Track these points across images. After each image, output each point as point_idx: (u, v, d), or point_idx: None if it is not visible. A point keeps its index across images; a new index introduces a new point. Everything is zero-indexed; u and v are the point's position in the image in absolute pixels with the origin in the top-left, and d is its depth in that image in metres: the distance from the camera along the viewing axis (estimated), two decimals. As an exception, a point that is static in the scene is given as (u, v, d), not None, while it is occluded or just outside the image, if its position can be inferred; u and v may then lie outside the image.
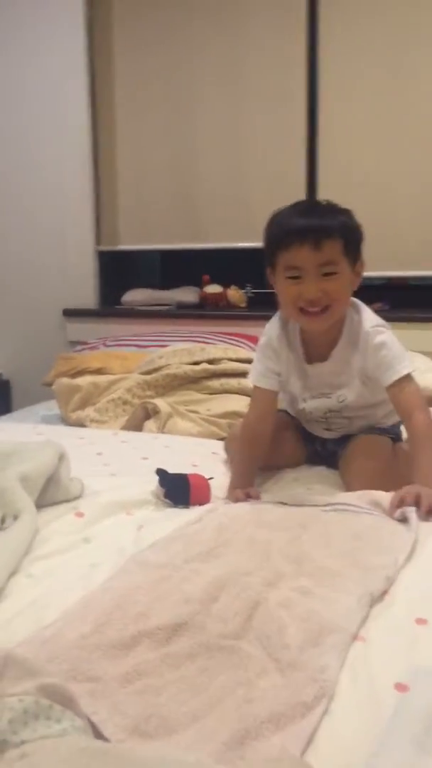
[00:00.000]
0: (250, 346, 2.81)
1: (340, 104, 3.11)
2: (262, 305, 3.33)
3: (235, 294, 3.35)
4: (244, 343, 2.83)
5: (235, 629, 0.92)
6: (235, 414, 2.16)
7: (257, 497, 1.49)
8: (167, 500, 1.43)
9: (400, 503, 1.32)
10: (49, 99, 3.42)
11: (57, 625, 0.95)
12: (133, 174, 3.46)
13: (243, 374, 2.36)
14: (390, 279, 3.27)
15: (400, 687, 0.82)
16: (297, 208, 1.54)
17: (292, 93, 3.16)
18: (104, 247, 3.52)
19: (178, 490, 1.44)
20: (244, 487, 1.52)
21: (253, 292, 3.41)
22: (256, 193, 3.27)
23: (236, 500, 1.47)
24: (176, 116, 3.36)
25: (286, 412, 1.78)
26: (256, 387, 1.67)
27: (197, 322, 3.21)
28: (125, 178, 3.48)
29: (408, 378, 1.53)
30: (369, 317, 1.60)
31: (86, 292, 3.50)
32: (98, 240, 3.51)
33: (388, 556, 1.13)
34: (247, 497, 1.48)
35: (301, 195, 3.17)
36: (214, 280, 3.41)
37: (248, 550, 1.17)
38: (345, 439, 1.69)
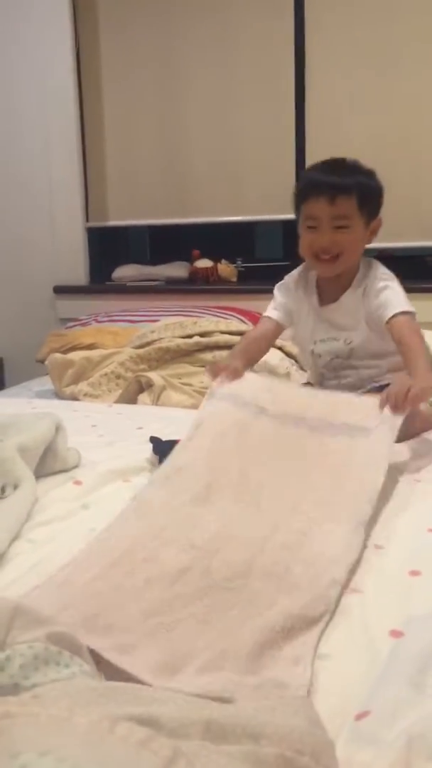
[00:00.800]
0: (241, 320, 2.82)
1: (328, 79, 3.10)
2: (253, 279, 3.35)
3: (225, 268, 3.36)
4: (235, 317, 2.84)
5: (242, 571, 0.97)
6: (227, 386, 2.18)
7: (237, 375, 1.60)
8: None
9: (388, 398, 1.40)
10: (35, 74, 3.39)
11: (67, 570, 1.00)
12: (121, 149, 3.45)
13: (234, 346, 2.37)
14: (379, 251, 3.28)
15: (395, 633, 0.85)
16: (323, 166, 1.75)
17: (280, 67, 3.15)
18: (93, 224, 3.51)
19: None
20: (236, 366, 1.64)
21: (243, 267, 3.41)
22: (245, 167, 3.27)
23: (214, 375, 1.61)
24: (165, 91, 3.34)
25: None
26: (263, 317, 1.92)
27: (188, 297, 3.22)
28: (113, 154, 3.46)
29: (407, 314, 1.67)
30: (380, 271, 1.78)
31: (76, 268, 3.49)
32: (87, 216, 3.50)
33: (369, 479, 1.20)
34: (220, 372, 1.60)
35: (290, 169, 3.17)
36: (204, 255, 3.42)
37: (241, 499, 1.20)
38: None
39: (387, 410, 1.38)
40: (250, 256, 3.60)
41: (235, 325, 2.63)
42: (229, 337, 2.42)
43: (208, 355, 2.36)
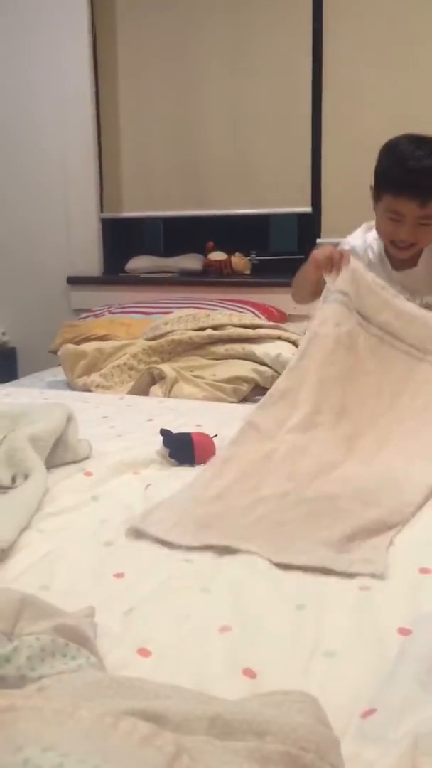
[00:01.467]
0: (254, 313, 2.82)
1: (345, 70, 3.08)
2: (267, 272, 3.34)
3: (239, 261, 3.35)
4: (248, 310, 2.83)
5: (334, 495, 1.20)
6: (240, 379, 2.18)
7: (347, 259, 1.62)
8: (172, 459, 1.45)
9: None
10: (52, 66, 3.38)
11: (197, 486, 1.26)
12: (137, 140, 3.44)
13: (247, 340, 2.37)
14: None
15: (404, 631, 0.84)
16: (409, 158, 1.67)
17: (296, 58, 3.13)
18: (108, 215, 3.51)
19: (183, 449, 1.46)
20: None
21: (257, 259, 3.40)
22: (260, 159, 3.25)
23: (329, 268, 1.60)
24: (179, 83, 3.32)
25: None
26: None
27: (201, 290, 3.21)
28: (128, 145, 3.46)
29: None
30: None
31: (90, 259, 3.49)
32: (102, 207, 3.49)
33: None
34: (335, 262, 1.61)
35: (305, 162, 3.15)
36: (218, 247, 3.41)
37: (338, 431, 1.42)
38: None
39: None
40: (264, 249, 3.58)
41: (249, 318, 2.63)
42: (242, 330, 2.41)
43: (220, 348, 2.35)
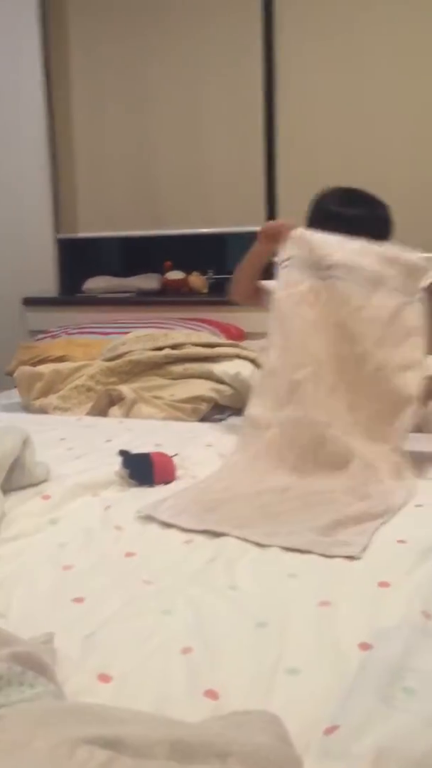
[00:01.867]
0: (213, 332, 2.83)
1: (297, 91, 3.13)
2: (224, 290, 3.34)
3: (197, 280, 3.36)
4: (206, 328, 2.84)
5: (330, 488, 1.36)
6: (199, 398, 2.17)
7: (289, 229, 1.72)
8: (132, 480, 1.44)
9: None
10: (4, 86, 3.38)
11: (207, 481, 1.44)
12: (92, 161, 3.44)
13: (206, 359, 2.37)
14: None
15: (364, 646, 0.85)
16: (340, 198, 1.73)
17: (249, 79, 3.17)
18: (64, 235, 3.49)
19: (142, 470, 1.44)
20: None
21: (214, 278, 3.42)
22: (215, 179, 3.28)
23: (272, 239, 1.72)
24: (134, 103, 3.34)
25: None
26: None
27: (159, 309, 3.21)
28: (84, 165, 3.45)
29: None
30: None
31: (46, 280, 3.47)
32: (57, 227, 3.48)
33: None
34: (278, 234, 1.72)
35: (260, 181, 3.19)
36: (175, 267, 3.42)
37: (319, 398, 1.59)
38: None
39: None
40: (222, 267, 3.60)
41: (206, 336, 2.63)
42: (200, 349, 2.42)
43: (178, 368, 2.35)
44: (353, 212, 1.69)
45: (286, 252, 1.73)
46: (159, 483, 1.45)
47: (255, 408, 1.64)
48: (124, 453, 1.47)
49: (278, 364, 1.65)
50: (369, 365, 1.60)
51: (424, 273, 1.63)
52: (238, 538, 1.18)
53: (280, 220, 1.79)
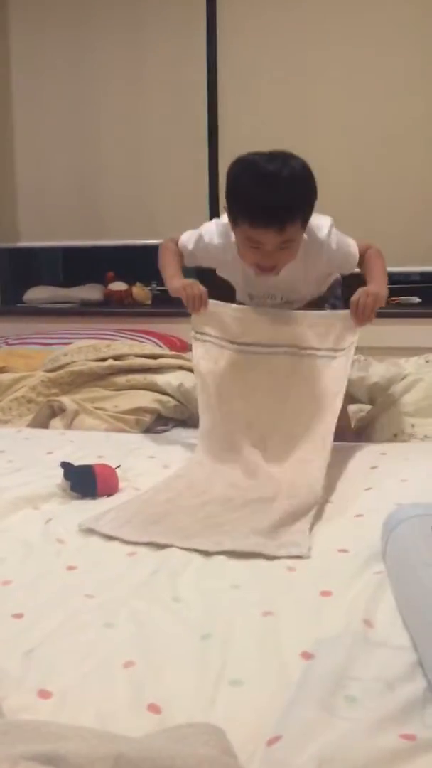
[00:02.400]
0: (156, 343, 2.82)
1: (240, 100, 3.16)
2: (167, 302, 3.34)
3: (140, 291, 3.35)
4: (150, 340, 2.83)
5: (271, 494, 1.42)
6: (142, 410, 2.16)
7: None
8: (74, 492, 1.42)
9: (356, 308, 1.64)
10: None
11: (149, 493, 1.42)
12: (33, 169, 3.40)
13: (149, 370, 2.36)
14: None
15: (306, 655, 0.85)
16: (261, 179, 1.54)
17: (192, 90, 3.19)
18: (4, 244, 3.44)
19: (84, 482, 1.43)
20: (187, 282, 1.73)
21: (158, 290, 3.42)
22: (158, 190, 3.28)
23: (195, 308, 1.72)
24: (77, 111, 3.32)
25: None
26: (180, 241, 1.83)
27: (102, 320, 3.19)
28: (24, 173, 3.41)
29: (355, 249, 1.77)
30: (316, 225, 1.69)
31: (-14, 290, 3.41)
32: (-3, 237, 3.43)
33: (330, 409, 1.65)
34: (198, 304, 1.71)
35: (203, 192, 3.20)
36: (118, 278, 3.40)
37: (254, 446, 1.65)
38: None
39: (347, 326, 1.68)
40: (165, 279, 3.60)
41: (150, 348, 2.62)
42: (143, 360, 2.40)
43: (122, 379, 2.33)
44: (284, 205, 1.54)
45: (200, 326, 1.77)
46: (102, 495, 1.43)
47: (198, 455, 1.68)
48: (65, 465, 1.44)
49: (211, 428, 1.71)
50: (295, 411, 1.67)
51: (343, 329, 1.69)
52: (183, 548, 1.18)
53: (196, 289, 1.71)
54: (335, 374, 1.68)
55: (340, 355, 1.69)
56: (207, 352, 1.77)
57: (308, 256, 1.70)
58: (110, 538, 1.23)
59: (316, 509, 1.34)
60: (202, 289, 1.73)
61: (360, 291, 1.66)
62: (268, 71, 3.12)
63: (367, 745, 0.68)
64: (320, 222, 1.71)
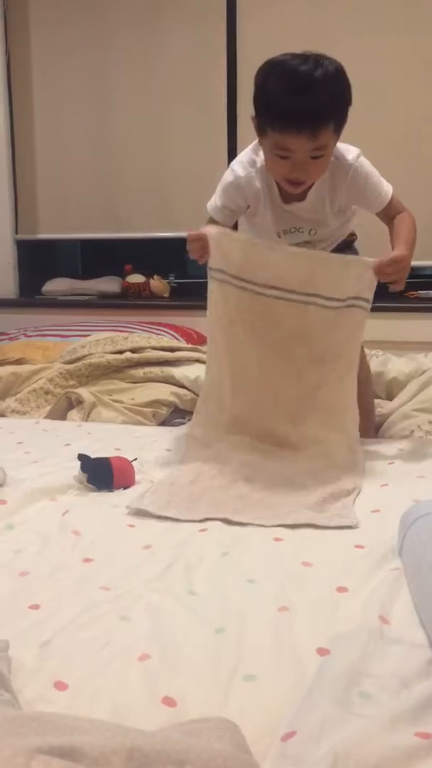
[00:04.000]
0: (173, 336, 2.82)
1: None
2: (185, 295, 3.36)
3: (158, 284, 3.35)
4: (167, 332, 2.84)
5: (289, 472, 1.48)
6: (159, 402, 2.17)
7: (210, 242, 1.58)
8: (90, 485, 1.43)
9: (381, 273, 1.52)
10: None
11: (169, 478, 1.45)
12: (53, 161, 3.41)
13: (166, 363, 2.36)
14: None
15: (322, 651, 0.85)
16: (293, 82, 1.44)
17: (212, 84, 3.18)
18: (23, 236, 3.46)
19: (101, 474, 1.43)
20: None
21: (176, 282, 3.42)
22: (177, 183, 3.28)
23: (199, 252, 1.58)
24: (96, 105, 3.33)
25: None
26: (210, 217, 1.75)
27: (120, 312, 3.20)
28: (45, 166, 3.42)
29: (389, 190, 1.67)
30: (344, 148, 1.62)
31: (5, 281, 3.42)
32: (17, 228, 3.44)
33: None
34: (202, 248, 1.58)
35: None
36: (136, 270, 3.40)
37: (262, 405, 1.66)
38: None
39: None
40: (183, 271, 3.60)
41: (167, 340, 2.62)
42: (160, 353, 2.41)
43: (139, 371, 2.34)
44: (316, 107, 1.43)
45: (213, 263, 1.64)
46: (118, 488, 1.44)
47: (196, 428, 1.68)
48: (83, 457, 1.45)
49: (213, 390, 1.70)
50: (307, 382, 1.63)
51: (360, 277, 1.55)
52: (240, 523, 1.25)
53: (202, 235, 1.59)
54: (352, 323, 1.59)
55: (357, 305, 1.58)
56: (219, 291, 1.65)
57: (334, 178, 1.61)
58: (126, 530, 1.24)
59: (357, 493, 1.40)
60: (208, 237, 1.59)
61: (389, 257, 1.53)
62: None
63: (382, 743, 0.68)
64: (348, 146, 1.63)
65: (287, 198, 1.65)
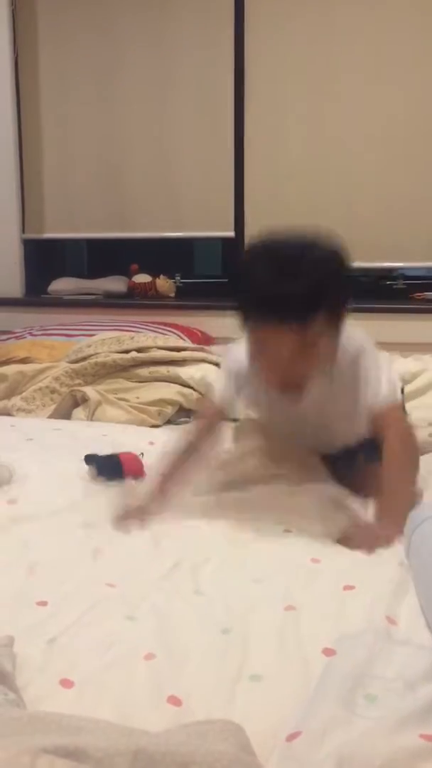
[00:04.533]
0: (179, 336, 2.82)
1: (267, 96, 3.14)
2: (191, 295, 3.35)
3: (164, 284, 3.35)
4: (173, 332, 2.83)
5: None
6: (164, 401, 2.17)
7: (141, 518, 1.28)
8: (100, 477, 1.43)
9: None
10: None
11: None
12: (60, 161, 3.41)
13: (172, 362, 2.36)
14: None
15: (328, 652, 0.85)
16: (272, 262, 1.20)
17: (219, 83, 3.17)
18: (30, 235, 3.46)
19: (110, 466, 1.44)
20: (157, 493, 1.34)
21: (182, 282, 3.41)
22: (184, 183, 3.27)
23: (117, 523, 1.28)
24: (103, 104, 3.32)
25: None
26: (211, 402, 1.49)
27: (125, 312, 3.19)
28: (51, 166, 3.42)
29: (388, 408, 1.32)
30: (350, 337, 1.34)
31: (12, 280, 3.42)
32: (23, 228, 3.44)
33: None
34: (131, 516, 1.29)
35: (229, 186, 3.19)
36: (142, 270, 3.40)
37: None
38: None
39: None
40: (189, 271, 3.60)
41: (173, 340, 2.62)
42: (167, 353, 2.41)
43: (144, 371, 2.34)
44: (298, 298, 1.16)
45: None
46: (128, 477, 1.43)
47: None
48: (90, 457, 1.45)
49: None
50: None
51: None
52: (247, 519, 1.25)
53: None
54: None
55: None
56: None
57: (339, 372, 1.34)
58: (135, 528, 1.24)
59: None
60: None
61: (365, 531, 1.21)
62: (295, 63, 3.10)
63: (387, 744, 0.67)
64: (357, 335, 1.36)
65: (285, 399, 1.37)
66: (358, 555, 1.12)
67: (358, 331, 1.36)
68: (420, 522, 1.06)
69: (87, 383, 2.29)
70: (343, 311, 1.25)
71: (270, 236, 1.25)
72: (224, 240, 3.35)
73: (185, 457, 1.40)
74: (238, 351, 1.39)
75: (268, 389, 1.36)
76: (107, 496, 1.37)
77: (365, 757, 0.66)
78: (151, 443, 1.73)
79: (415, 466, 1.32)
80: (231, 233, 3.22)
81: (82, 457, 1.50)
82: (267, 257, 1.22)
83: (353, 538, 1.17)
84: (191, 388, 2.22)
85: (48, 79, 3.37)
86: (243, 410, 1.60)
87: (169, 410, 2.16)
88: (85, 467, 1.48)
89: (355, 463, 1.48)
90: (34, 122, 3.40)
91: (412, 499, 1.26)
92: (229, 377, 1.44)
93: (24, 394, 2.28)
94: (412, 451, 1.33)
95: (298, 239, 1.22)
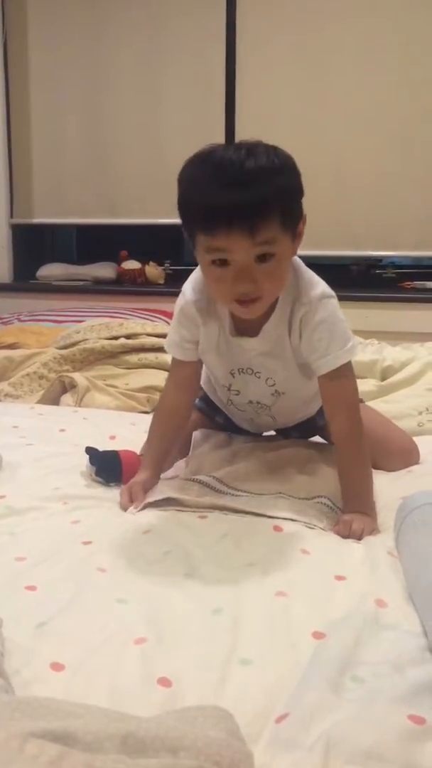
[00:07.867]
0: (168, 322, 2.81)
1: (258, 81, 3.13)
2: (181, 282, 3.32)
3: (153, 270, 3.34)
4: (162, 319, 2.83)
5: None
6: (153, 388, 2.16)
7: (142, 499, 1.28)
8: (98, 478, 1.41)
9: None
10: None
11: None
12: (49, 146, 3.39)
13: (161, 349, 2.35)
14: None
15: (317, 635, 0.85)
16: (218, 172, 1.12)
17: (210, 69, 3.16)
18: (18, 220, 3.43)
19: (110, 467, 1.40)
20: (146, 478, 1.35)
21: (171, 269, 3.40)
22: (173, 169, 3.22)
23: (123, 507, 1.29)
24: (92, 89, 3.30)
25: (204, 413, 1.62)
26: (173, 357, 1.42)
27: (115, 298, 3.19)
28: (40, 150, 3.40)
29: (344, 369, 1.25)
30: (311, 283, 1.26)
31: (0, 265, 3.41)
32: (12, 212, 3.42)
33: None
34: (130, 502, 1.29)
35: (218, 172, 3.17)
36: (132, 256, 3.39)
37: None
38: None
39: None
40: (179, 258, 3.59)
41: (162, 327, 2.61)
42: (155, 340, 2.40)
43: (133, 357, 2.33)
44: (252, 196, 1.08)
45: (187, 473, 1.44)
46: (127, 481, 1.40)
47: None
48: (90, 450, 1.43)
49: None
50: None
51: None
52: (237, 510, 1.25)
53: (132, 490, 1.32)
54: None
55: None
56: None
57: (294, 315, 1.25)
58: (125, 514, 1.25)
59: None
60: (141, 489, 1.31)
61: (350, 518, 1.20)
62: (286, 49, 3.08)
63: (376, 726, 0.68)
64: (319, 282, 1.27)
65: (240, 329, 1.30)
66: (348, 542, 1.13)
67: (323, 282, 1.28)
68: (409, 512, 1.07)
69: (75, 369, 2.28)
70: (299, 226, 1.17)
71: (209, 147, 1.18)
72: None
73: (168, 421, 1.43)
74: (190, 281, 1.33)
75: (222, 326, 1.30)
76: (94, 486, 1.37)
77: (354, 738, 0.66)
78: (133, 424, 1.73)
79: (365, 447, 1.29)
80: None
81: (71, 441, 1.48)
82: (203, 164, 1.16)
83: (341, 532, 1.18)
84: (180, 374, 2.21)
85: (37, 63, 3.34)
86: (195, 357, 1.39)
87: (158, 397, 2.15)
88: (73, 452, 1.47)
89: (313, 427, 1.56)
90: (24, 106, 3.37)
91: (370, 480, 1.29)
92: (179, 320, 1.35)
93: (12, 379, 2.26)
94: (360, 428, 1.27)
95: (239, 146, 1.15)
